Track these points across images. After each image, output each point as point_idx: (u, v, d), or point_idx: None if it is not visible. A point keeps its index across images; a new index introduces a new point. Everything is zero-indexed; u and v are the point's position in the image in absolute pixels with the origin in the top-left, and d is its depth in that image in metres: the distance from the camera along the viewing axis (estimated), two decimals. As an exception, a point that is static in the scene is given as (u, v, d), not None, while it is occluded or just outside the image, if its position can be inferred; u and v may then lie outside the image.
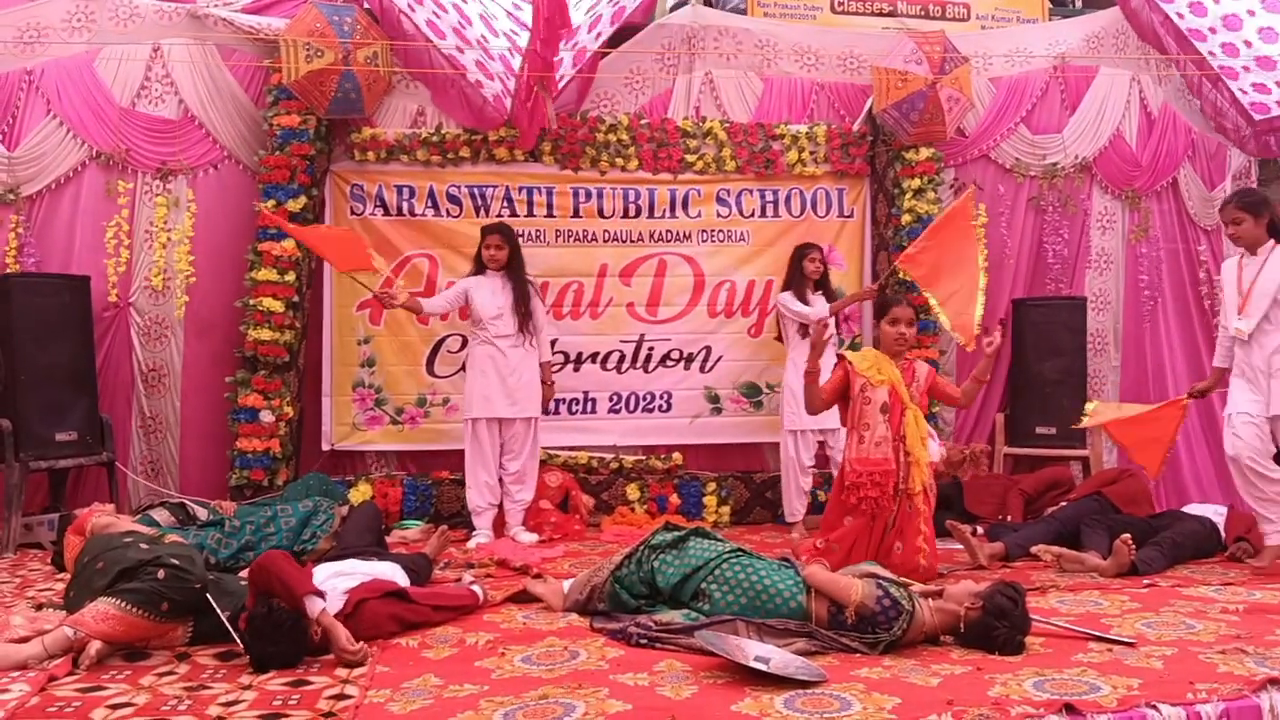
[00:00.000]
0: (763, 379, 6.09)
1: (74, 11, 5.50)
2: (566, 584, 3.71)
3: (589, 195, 5.96)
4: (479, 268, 5.25)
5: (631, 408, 6.01)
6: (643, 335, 6.01)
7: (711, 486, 5.84)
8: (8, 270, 5.30)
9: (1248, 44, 6.11)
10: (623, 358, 6.00)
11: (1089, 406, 4.99)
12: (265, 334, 5.35)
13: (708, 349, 6.05)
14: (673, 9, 6.58)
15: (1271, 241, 4.40)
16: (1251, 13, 6.09)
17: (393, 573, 3.63)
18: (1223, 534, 4.78)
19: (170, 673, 2.91)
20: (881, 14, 6.67)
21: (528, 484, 5.27)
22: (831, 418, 4.62)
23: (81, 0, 5.49)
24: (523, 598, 3.78)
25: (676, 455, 5.92)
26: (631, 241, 6.00)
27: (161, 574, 3.06)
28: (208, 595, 3.09)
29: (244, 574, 3.47)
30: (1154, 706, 2.49)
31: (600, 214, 5.97)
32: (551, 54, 5.04)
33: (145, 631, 3.05)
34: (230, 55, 5.64)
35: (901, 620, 3.04)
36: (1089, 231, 6.35)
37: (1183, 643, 3.13)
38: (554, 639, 3.25)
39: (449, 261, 5.78)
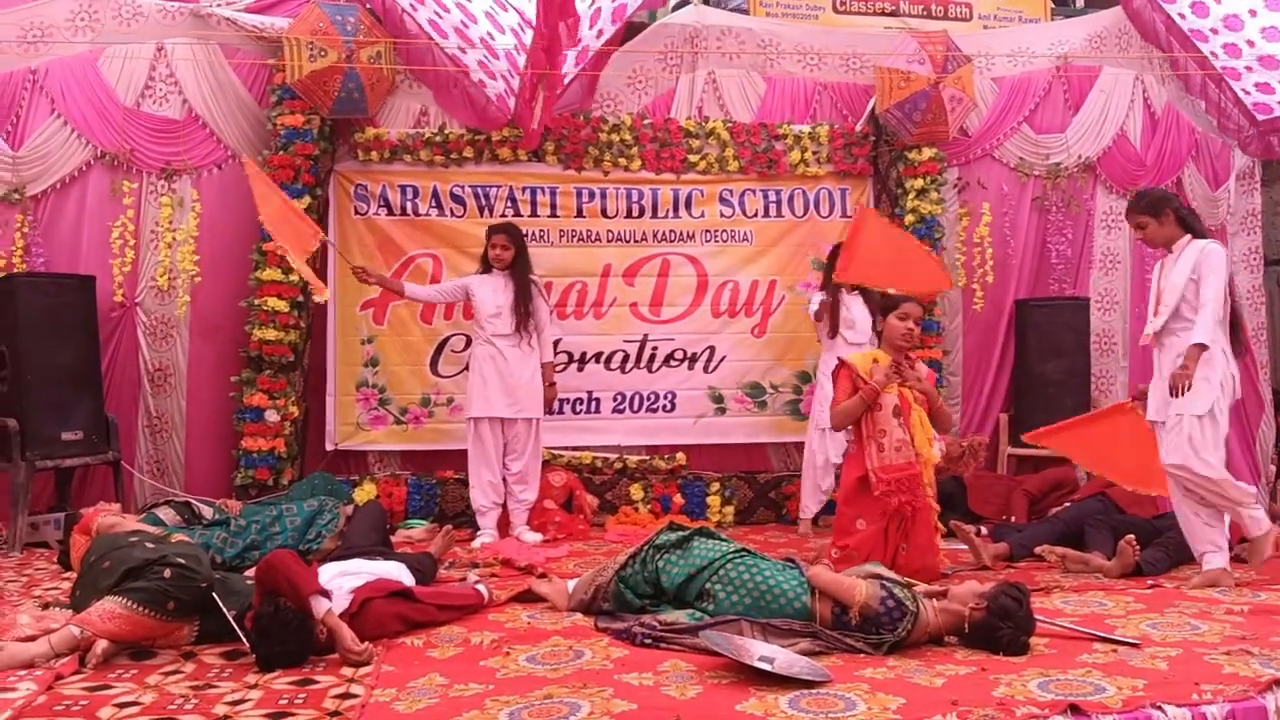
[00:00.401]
0: (766, 379, 6.09)
1: (78, 11, 5.50)
2: (571, 584, 3.72)
3: (592, 195, 5.96)
4: (485, 267, 5.27)
5: (635, 408, 6.02)
6: (646, 335, 6.01)
7: (715, 486, 5.85)
8: (14, 270, 5.31)
9: (1250, 43, 6.10)
10: (626, 358, 6.00)
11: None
12: (270, 333, 5.36)
13: (711, 349, 6.05)
14: (675, 9, 6.58)
15: (1186, 237, 4.19)
16: (1253, 12, 6.08)
17: (398, 572, 3.64)
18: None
19: (176, 672, 2.92)
20: (884, 14, 6.67)
21: (531, 484, 5.27)
22: None
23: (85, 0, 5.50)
24: (527, 597, 3.79)
25: (680, 455, 5.92)
26: (635, 241, 6.01)
27: (168, 573, 3.07)
28: (214, 594, 3.10)
29: (250, 573, 3.48)
30: (1159, 707, 2.49)
31: (604, 214, 5.97)
32: (558, 49, 5.02)
33: (151, 630, 3.06)
34: (234, 55, 5.64)
35: (906, 621, 3.04)
36: (1093, 231, 6.35)
37: (1188, 644, 3.13)
38: (559, 638, 3.26)
39: (453, 261, 5.79)
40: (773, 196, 6.11)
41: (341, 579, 3.35)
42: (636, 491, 5.79)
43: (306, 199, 5.47)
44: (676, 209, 6.03)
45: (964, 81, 5.82)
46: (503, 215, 5.80)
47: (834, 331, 5.30)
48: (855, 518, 4.10)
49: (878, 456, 4.06)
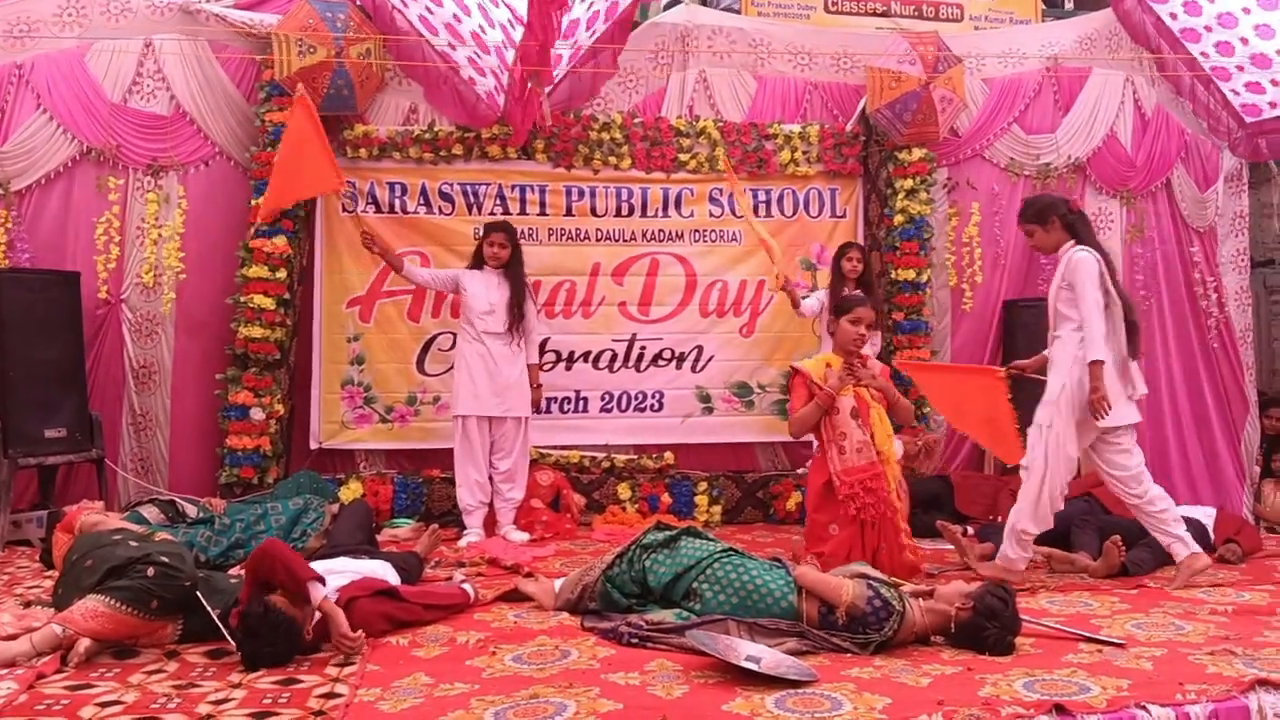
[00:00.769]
0: (754, 379, 6.09)
1: (65, 6, 5.46)
2: (558, 583, 3.71)
3: (582, 194, 5.95)
4: (476, 263, 5.24)
5: (623, 407, 6.01)
6: (635, 335, 6.01)
7: (703, 486, 5.84)
8: (-2, 266, 5.28)
9: (1244, 41, 6.11)
10: (615, 357, 5.99)
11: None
12: (256, 331, 5.33)
13: (699, 349, 6.05)
14: (666, 7, 6.57)
15: (1070, 243, 4.22)
16: (1247, 10, 6.08)
17: (384, 571, 3.63)
18: (1211, 535, 4.80)
19: (159, 671, 2.90)
20: (875, 14, 6.68)
21: (518, 483, 5.26)
22: None
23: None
24: (514, 596, 3.78)
25: (668, 454, 5.92)
26: (624, 240, 6.00)
27: (151, 571, 3.05)
28: (198, 593, 3.08)
29: (234, 571, 3.46)
30: (1143, 707, 2.50)
31: (593, 213, 5.96)
32: (544, 41, 5.00)
33: (134, 629, 3.04)
34: (222, 51, 5.60)
35: (892, 620, 3.04)
36: (1081, 232, 6.35)
37: (1172, 644, 3.14)
38: (545, 638, 3.25)
39: (441, 259, 5.77)
40: (762, 196, 6.11)
41: (327, 577, 3.33)
42: (624, 491, 5.78)
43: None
44: (666, 208, 6.02)
45: (954, 82, 5.83)
46: (491, 213, 5.79)
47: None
48: (828, 524, 4.11)
49: (840, 460, 4.08)
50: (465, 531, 5.14)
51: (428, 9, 5.48)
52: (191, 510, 4.41)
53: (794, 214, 6.14)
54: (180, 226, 5.56)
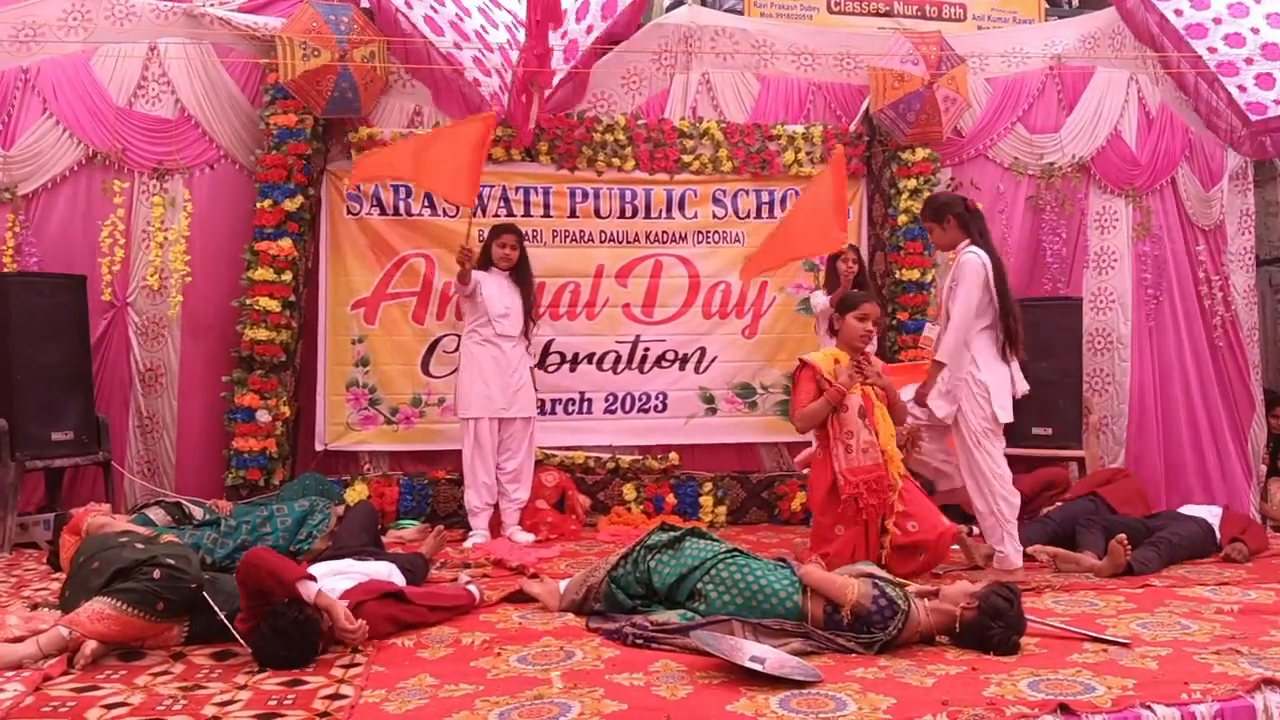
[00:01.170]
0: (757, 380, 6.09)
1: (70, 10, 5.49)
2: (563, 584, 3.71)
3: (585, 195, 5.96)
4: (483, 265, 5.23)
5: (627, 408, 6.01)
6: (638, 336, 6.01)
7: (708, 486, 5.84)
8: (5, 269, 5.29)
9: (1254, 30, 6.09)
10: (618, 358, 6.00)
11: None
12: (262, 333, 5.34)
13: (702, 350, 6.05)
14: (669, 9, 6.58)
15: (966, 241, 4.36)
16: None
17: (389, 573, 3.64)
18: (1218, 535, 4.79)
19: (165, 672, 2.91)
20: (878, 14, 6.68)
21: (524, 483, 5.27)
22: None
23: (78, -2, 5.49)
24: (519, 598, 3.78)
25: (673, 455, 5.92)
26: (628, 242, 6.00)
27: (157, 574, 3.06)
28: (204, 595, 3.09)
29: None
30: (1149, 707, 2.50)
31: (597, 214, 5.97)
32: (543, 48, 5.02)
33: (140, 631, 3.05)
34: (227, 54, 5.63)
35: (897, 620, 3.04)
36: (1086, 231, 6.35)
37: (1178, 643, 3.13)
38: (550, 639, 3.25)
39: (445, 261, 5.77)
40: (765, 197, 6.11)
41: (333, 579, 3.34)
42: (629, 492, 5.79)
43: (299, 199, 5.46)
44: (669, 209, 6.03)
45: (958, 82, 5.83)
46: (496, 215, 5.80)
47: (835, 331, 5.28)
48: (833, 525, 4.07)
49: (845, 458, 4.03)
50: (471, 533, 5.15)
51: (432, 8, 5.49)
52: (198, 512, 4.43)
53: (797, 215, 6.13)
54: (186, 230, 5.58)
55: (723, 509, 5.82)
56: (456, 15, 5.51)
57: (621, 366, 6.00)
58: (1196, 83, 6.30)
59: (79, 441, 5.15)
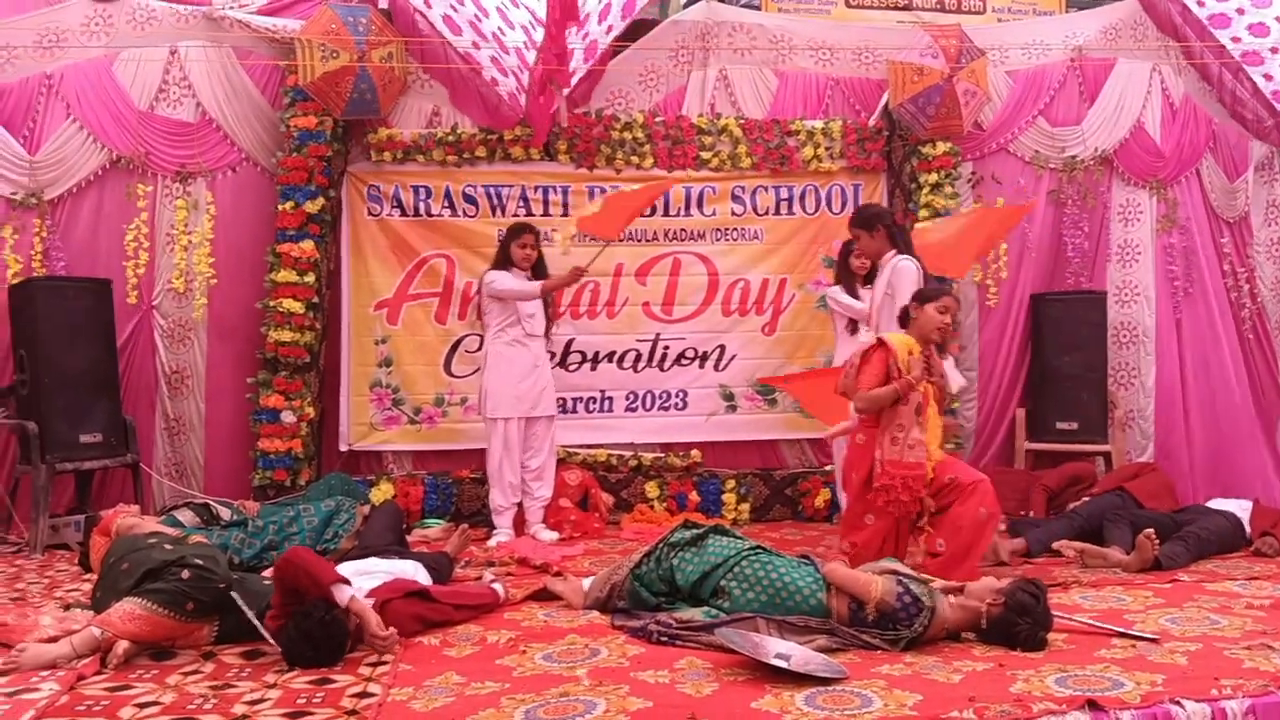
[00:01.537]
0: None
1: (92, 15, 5.54)
2: (586, 582, 3.72)
3: (604, 194, 5.95)
4: (502, 265, 5.24)
5: (648, 406, 6.02)
6: (658, 334, 6.01)
7: (731, 484, 5.84)
8: (32, 274, 5.35)
9: (1279, 19, 6.02)
10: (639, 356, 6.00)
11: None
12: (286, 335, 5.38)
13: (722, 347, 6.04)
14: (686, 5, 6.56)
15: (893, 252, 4.57)
16: None
17: (414, 571, 3.66)
18: (1247, 529, 4.74)
19: (196, 671, 2.94)
20: (897, 8, 6.62)
21: (546, 480, 5.29)
22: None
23: (99, 4, 5.54)
24: (543, 596, 3.80)
25: (695, 452, 5.92)
26: (647, 240, 6.00)
27: (186, 574, 3.09)
28: (234, 594, 3.12)
29: (267, 573, 3.50)
30: (1178, 703, 2.48)
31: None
32: (561, 48, 5.03)
33: (171, 631, 3.09)
34: (246, 57, 5.66)
35: (922, 617, 3.03)
36: (1109, 224, 6.30)
37: (1207, 638, 3.11)
38: (575, 636, 3.27)
39: (466, 262, 5.80)
40: (784, 193, 6.09)
41: (359, 579, 3.37)
42: (652, 489, 5.80)
43: (320, 201, 5.49)
44: (688, 207, 6.02)
45: (978, 75, 5.79)
46: (515, 215, 5.81)
47: (855, 327, 5.28)
48: (864, 513, 4.03)
49: (890, 449, 3.94)
50: (495, 531, 5.17)
51: (452, 7, 5.50)
52: (225, 513, 4.47)
53: (815, 211, 6.11)
54: (209, 232, 5.63)
55: (746, 506, 5.81)
56: (476, 15, 5.52)
57: (642, 365, 6.00)
58: (1220, 73, 6.24)
59: (107, 444, 5.21)
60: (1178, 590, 3.85)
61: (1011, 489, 5.52)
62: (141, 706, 2.63)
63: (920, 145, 5.95)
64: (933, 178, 5.90)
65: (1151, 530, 4.23)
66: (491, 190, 5.88)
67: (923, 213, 5.88)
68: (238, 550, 4.11)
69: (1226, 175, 6.38)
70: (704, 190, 6.03)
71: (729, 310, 6.06)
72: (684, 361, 6.03)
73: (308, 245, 5.44)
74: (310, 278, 5.46)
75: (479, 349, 5.61)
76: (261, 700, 2.66)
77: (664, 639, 3.15)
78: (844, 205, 6.15)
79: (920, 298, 4.20)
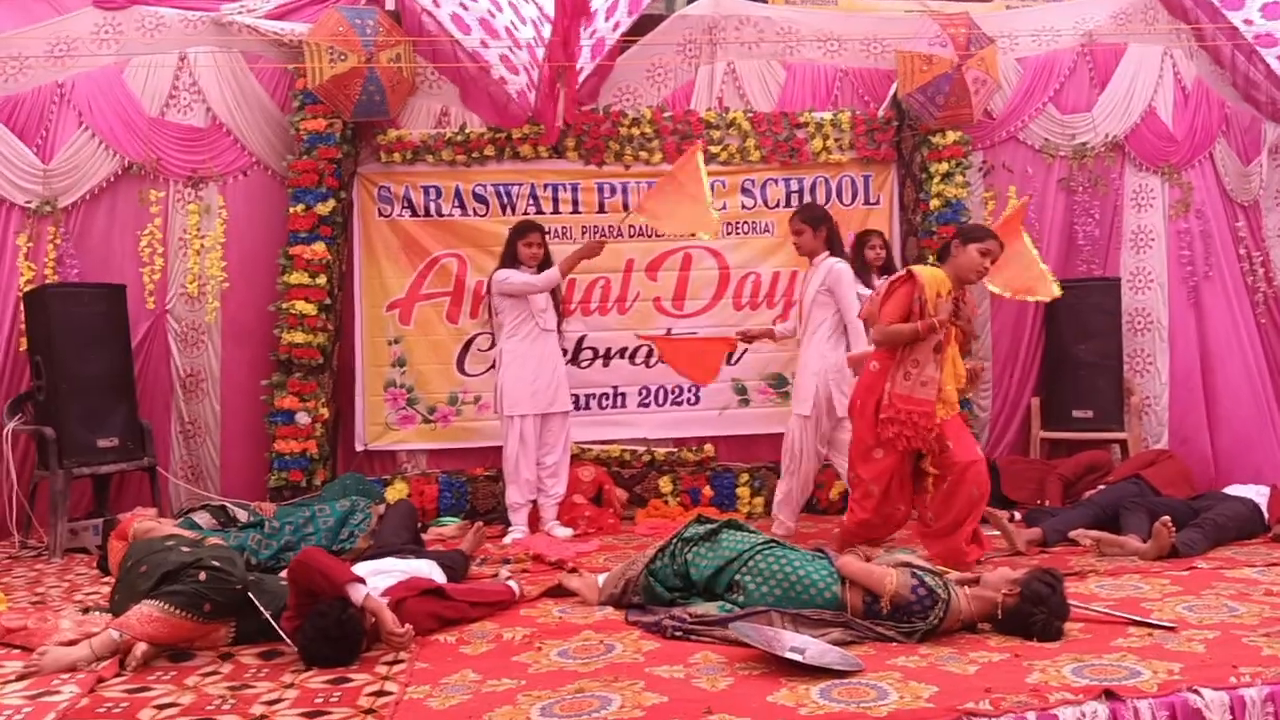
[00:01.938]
0: (789, 369, 6.03)
1: (102, 23, 5.57)
2: (601, 578, 3.73)
3: (614, 190, 5.96)
4: (512, 263, 5.23)
5: (660, 401, 6.02)
6: (670, 329, 6.01)
7: (744, 478, 5.84)
8: (46, 281, 5.40)
9: None
10: (651, 352, 6.00)
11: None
12: (299, 337, 5.41)
13: (734, 341, 6.04)
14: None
15: (825, 253, 4.87)
16: None
17: (430, 570, 3.67)
18: (1266, 515, 4.71)
19: (214, 673, 2.97)
20: (904, -4, 6.59)
21: (561, 477, 5.30)
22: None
23: (109, 12, 5.57)
24: (558, 592, 3.81)
25: (708, 447, 5.92)
26: (656, 235, 6.00)
27: (203, 576, 3.12)
28: (251, 595, 3.14)
29: (284, 574, 3.52)
30: (1196, 691, 2.47)
31: (625, 209, 5.96)
32: (573, 48, 5.03)
33: (189, 632, 3.11)
34: (255, 61, 5.68)
35: (938, 609, 3.03)
36: (1122, 211, 6.25)
37: (1225, 626, 3.09)
38: (590, 633, 3.28)
39: (477, 261, 5.81)
40: (794, 186, 6.08)
41: (375, 578, 3.39)
42: (665, 484, 5.80)
43: (331, 203, 5.51)
44: (699, 201, 6.00)
45: (987, 63, 5.75)
46: (525, 213, 5.81)
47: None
48: (874, 446, 3.99)
49: (901, 383, 3.90)
50: (510, 528, 5.18)
51: (461, 5, 5.50)
52: (242, 515, 4.50)
53: (826, 203, 6.06)
54: (221, 236, 5.66)
55: (760, 500, 5.81)
56: (488, 11, 5.50)
57: (654, 360, 6.00)
58: (1233, 55, 6.18)
59: (124, 448, 5.24)
60: (1195, 578, 3.82)
61: (1027, 478, 5.50)
62: (161, 708, 2.66)
63: (930, 135, 5.91)
64: (943, 167, 5.87)
65: (1168, 518, 4.20)
66: (501, 189, 5.88)
67: (934, 202, 5.85)
68: (254, 551, 4.14)
69: (1240, 159, 6.32)
70: (714, 184, 6.00)
71: (740, 304, 6.05)
72: (696, 356, 6.02)
73: (319, 247, 5.46)
74: (322, 279, 5.48)
75: (491, 347, 5.62)
76: (279, 700, 2.68)
77: (679, 634, 3.15)
78: (855, 197, 6.13)
79: (965, 236, 4.10)
